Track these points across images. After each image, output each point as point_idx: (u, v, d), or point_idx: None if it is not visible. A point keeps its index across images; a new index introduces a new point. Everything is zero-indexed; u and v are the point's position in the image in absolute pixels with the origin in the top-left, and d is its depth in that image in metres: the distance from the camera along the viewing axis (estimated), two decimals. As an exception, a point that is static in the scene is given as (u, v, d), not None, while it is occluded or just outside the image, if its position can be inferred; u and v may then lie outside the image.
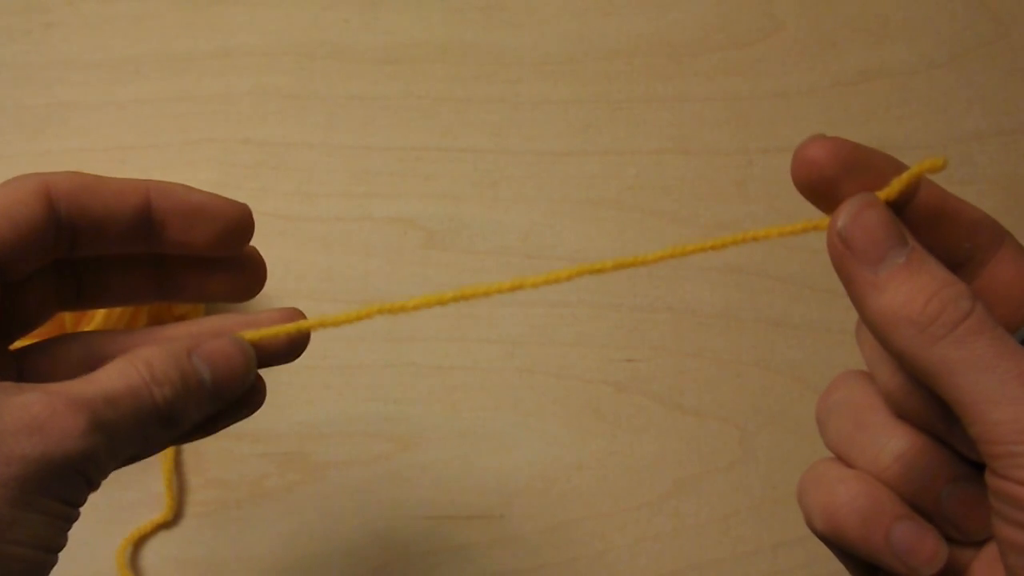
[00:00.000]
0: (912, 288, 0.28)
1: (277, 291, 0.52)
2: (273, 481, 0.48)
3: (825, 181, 0.29)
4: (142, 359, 0.30)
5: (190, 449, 0.48)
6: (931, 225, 0.30)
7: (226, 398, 0.32)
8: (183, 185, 0.34)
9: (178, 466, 0.48)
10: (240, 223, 0.34)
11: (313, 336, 0.51)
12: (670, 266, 0.52)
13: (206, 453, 0.48)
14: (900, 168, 0.30)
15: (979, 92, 0.56)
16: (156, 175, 0.53)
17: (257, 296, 0.51)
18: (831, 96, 0.56)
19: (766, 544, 0.48)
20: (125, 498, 0.48)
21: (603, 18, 0.58)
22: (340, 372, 0.50)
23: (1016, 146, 0.55)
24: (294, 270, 0.52)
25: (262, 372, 0.32)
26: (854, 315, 0.54)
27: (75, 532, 0.47)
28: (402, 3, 0.58)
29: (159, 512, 0.47)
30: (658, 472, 0.49)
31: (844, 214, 0.29)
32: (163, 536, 0.47)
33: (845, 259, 0.29)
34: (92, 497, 0.47)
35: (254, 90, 0.56)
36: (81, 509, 0.31)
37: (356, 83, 0.56)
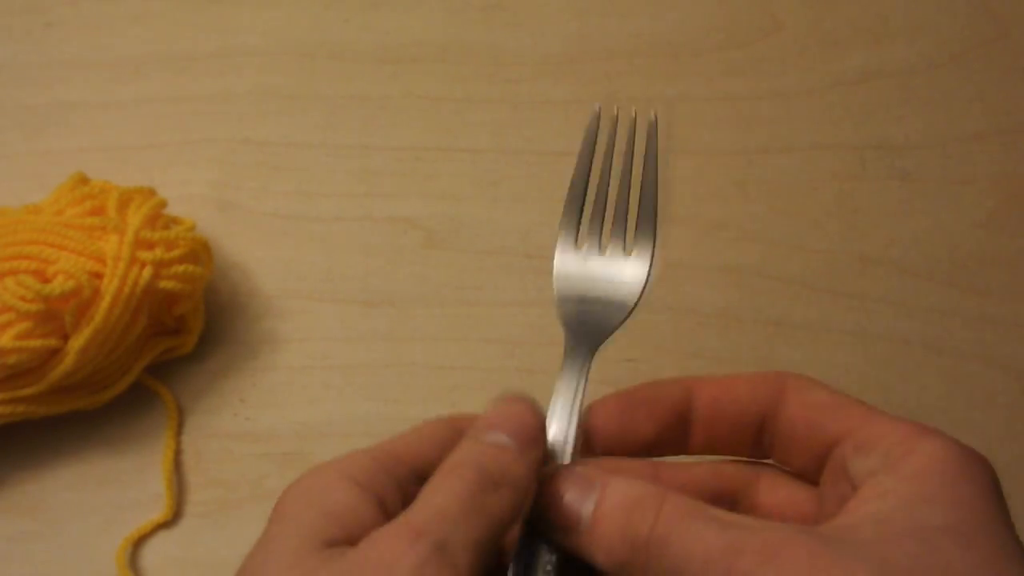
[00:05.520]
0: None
1: (277, 291, 0.51)
2: (273, 481, 0.48)
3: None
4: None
5: (190, 449, 0.48)
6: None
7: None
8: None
9: (178, 466, 0.48)
10: None
11: (313, 336, 0.51)
12: (670, 266, 0.52)
13: (206, 453, 0.48)
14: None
15: (979, 92, 0.56)
16: (156, 175, 0.53)
17: (258, 296, 0.51)
18: (831, 96, 0.56)
19: (766, 544, 0.48)
20: (125, 498, 0.48)
21: (603, 18, 0.58)
22: (340, 372, 0.50)
23: (1016, 146, 0.55)
24: (294, 270, 0.52)
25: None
26: (854, 315, 0.54)
27: (74, 532, 0.47)
28: (402, 3, 0.58)
29: (159, 512, 0.47)
30: (658, 472, 0.49)
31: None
32: (163, 536, 0.47)
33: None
34: (91, 497, 0.47)
35: (254, 90, 0.56)
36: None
37: (356, 83, 0.56)
